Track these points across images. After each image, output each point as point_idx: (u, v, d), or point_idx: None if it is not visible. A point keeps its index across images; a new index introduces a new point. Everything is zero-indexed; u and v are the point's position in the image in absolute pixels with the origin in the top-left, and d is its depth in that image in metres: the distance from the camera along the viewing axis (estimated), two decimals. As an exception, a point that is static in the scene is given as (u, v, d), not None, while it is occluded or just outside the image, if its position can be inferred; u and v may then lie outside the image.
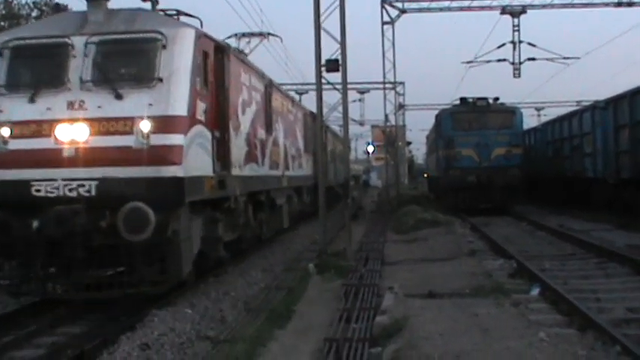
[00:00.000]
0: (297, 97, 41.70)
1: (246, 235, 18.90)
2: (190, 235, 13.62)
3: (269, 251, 22.22)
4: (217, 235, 15.51)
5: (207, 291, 15.05)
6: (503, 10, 40.38)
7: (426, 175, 70.88)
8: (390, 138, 51.61)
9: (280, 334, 11.34)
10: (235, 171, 16.53)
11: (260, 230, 21.02)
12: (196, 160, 13.55)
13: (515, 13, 40.27)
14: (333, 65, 20.33)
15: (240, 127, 17.36)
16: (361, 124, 72.71)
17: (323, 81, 20.67)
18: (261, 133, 20.17)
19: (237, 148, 16.93)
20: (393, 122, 51.03)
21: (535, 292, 13.33)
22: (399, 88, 51.28)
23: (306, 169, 30.34)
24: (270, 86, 21.70)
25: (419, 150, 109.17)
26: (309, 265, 17.78)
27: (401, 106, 53.35)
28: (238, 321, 11.96)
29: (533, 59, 42.18)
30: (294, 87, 50.76)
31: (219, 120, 15.51)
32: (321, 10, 20.21)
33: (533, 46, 41.64)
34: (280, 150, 23.49)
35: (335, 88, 22.19)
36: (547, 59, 42.87)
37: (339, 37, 20.33)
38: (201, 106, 14.02)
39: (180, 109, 13.12)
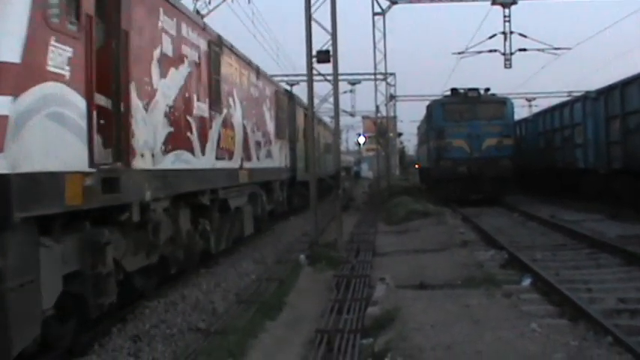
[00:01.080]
0: (287, 87, 40.55)
1: (177, 254, 13.73)
2: (34, 277, 7.95)
3: (260, 243, 22.17)
4: (104, 269, 9.67)
5: (198, 282, 15.00)
6: (494, 1, 40.20)
7: (417, 166, 70.91)
8: (381, 129, 51.60)
9: (272, 325, 11.33)
10: (142, 163, 11.06)
11: (207, 243, 15.76)
12: (46, 145, 7.98)
13: (506, 3, 40.13)
14: (324, 56, 20.29)
15: (155, 95, 11.80)
16: (352, 115, 72.78)
17: (314, 72, 20.62)
18: (201, 108, 14.65)
19: (148, 128, 11.41)
20: (384, 113, 51.01)
21: (526, 282, 13.35)
22: (390, 79, 51.23)
23: (278, 159, 25.27)
24: (218, 45, 16.30)
25: (410, 141, 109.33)
26: (300, 257, 17.76)
27: (392, 97, 53.29)
28: (230, 312, 11.92)
29: (524, 50, 42.05)
30: (285, 78, 50.67)
31: (109, 80, 10.03)
32: (312, 0, 20.17)
33: (524, 36, 41.51)
34: (237, 135, 18.02)
35: (326, 80, 22.13)
36: (538, 50, 42.75)
37: (330, 28, 20.28)
38: (61, 52, 8.32)
39: (3, 50, 7.40)
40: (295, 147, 30.11)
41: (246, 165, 19.23)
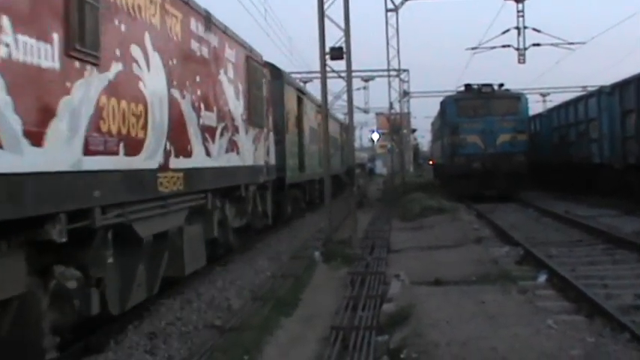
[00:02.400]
0: (301, 84, 40.28)
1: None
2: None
3: (275, 240, 22.19)
4: None
5: (213, 280, 15.03)
6: (508, -4, 40.25)
7: (431, 163, 70.85)
8: (395, 125, 51.56)
9: (287, 322, 11.33)
10: None
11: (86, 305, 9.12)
12: None
13: (520, -2, 40.14)
14: (337, 53, 20.29)
15: None
16: (366, 111, 72.61)
17: (327, 69, 20.63)
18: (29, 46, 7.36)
19: None
20: (398, 110, 50.98)
21: (542, 278, 13.30)
22: (403, 76, 51.24)
23: (251, 155, 17.84)
24: None
25: (424, 137, 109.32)
26: (315, 254, 17.77)
27: (405, 94, 53.25)
28: (245, 309, 11.94)
29: (538, 45, 42.11)
30: (299, 75, 50.66)
31: None
32: (325, -3, 20.17)
33: (538, 31, 41.55)
34: (151, 111, 10.82)
35: (339, 76, 22.16)
36: (552, 45, 42.82)
37: (343, 25, 20.27)
38: None
39: None
40: (284, 140, 24.07)
41: (178, 163, 11.97)
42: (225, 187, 15.35)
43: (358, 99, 64.05)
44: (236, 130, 16.29)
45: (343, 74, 21.32)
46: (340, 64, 20.89)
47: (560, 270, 13.43)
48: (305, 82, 51.19)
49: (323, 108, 21.76)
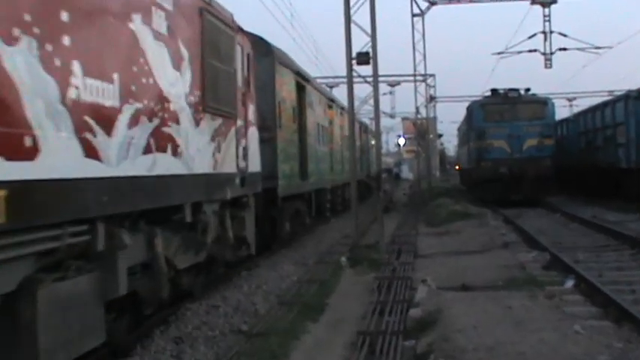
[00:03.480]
0: (328, 90, 40.01)
1: None
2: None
3: (300, 244, 22.22)
4: None
5: (239, 284, 15.06)
6: (534, 1, 40.22)
7: (457, 167, 70.71)
8: (421, 130, 51.50)
9: (313, 327, 11.34)
10: None
11: None
12: None
13: (546, 3, 40.09)
14: (363, 58, 20.29)
15: None
16: (392, 116, 72.80)
17: (354, 74, 20.63)
18: None
19: None
20: (424, 114, 50.94)
21: (569, 284, 13.26)
22: (429, 81, 51.24)
23: (208, 159, 11.98)
24: None
25: (450, 142, 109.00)
26: (342, 258, 17.78)
27: (432, 99, 53.25)
28: (271, 314, 11.96)
29: (564, 49, 41.95)
30: (325, 80, 50.76)
31: None
32: (351, 3, 20.19)
33: (565, 36, 41.45)
34: None
35: (366, 82, 22.15)
36: (578, 49, 42.64)
37: (369, 30, 20.28)
38: None
39: None
40: (275, 138, 19.22)
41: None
42: (144, 209, 9.33)
43: (384, 104, 64.36)
44: (173, 118, 10.18)
45: (369, 79, 21.31)
46: (367, 69, 20.89)
47: (588, 275, 13.37)
48: (331, 87, 51.36)
49: (350, 113, 21.73)
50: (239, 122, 13.74)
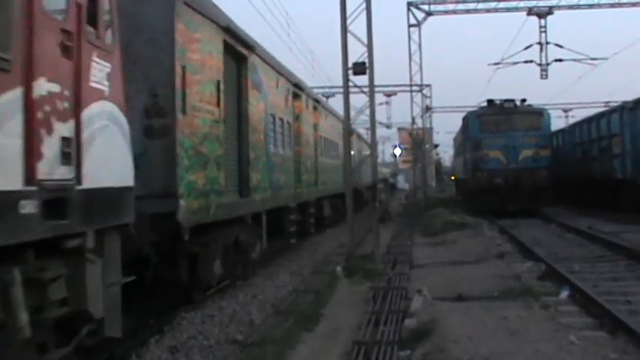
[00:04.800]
0: (324, 100, 39.48)
1: None
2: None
3: (297, 255, 22.22)
4: None
5: (235, 294, 15.08)
6: (530, 12, 40.38)
7: (453, 178, 70.75)
8: (417, 141, 51.53)
9: (309, 337, 11.34)
10: None
11: None
12: None
13: (542, 14, 40.22)
14: (360, 68, 20.30)
15: None
16: (388, 126, 72.89)
17: (350, 84, 20.64)
18: None
19: None
20: (420, 125, 50.97)
21: (564, 294, 13.26)
22: (425, 91, 51.34)
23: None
24: None
25: (446, 152, 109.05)
26: (337, 269, 17.79)
27: (428, 109, 53.32)
28: (267, 324, 11.98)
29: (560, 60, 42.12)
30: (321, 90, 50.78)
31: None
32: (348, 13, 20.20)
33: (560, 47, 41.59)
34: None
35: (362, 92, 22.14)
36: (574, 60, 42.79)
37: (365, 40, 20.30)
38: None
39: None
40: (174, 129, 12.01)
41: None
42: None
43: (381, 114, 64.38)
44: None
45: (366, 89, 21.32)
46: (363, 79, 20.89)
47: (583, 286, 13.38)
48: (328, 97, 51.35)
49: (346, 123, 21.73)
50: (41, 84, 6.85)
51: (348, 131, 21.73)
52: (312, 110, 26.96)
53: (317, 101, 27.82)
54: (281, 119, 20.81)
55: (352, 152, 35.94)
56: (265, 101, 18.41)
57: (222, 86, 14.19)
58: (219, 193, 13.75)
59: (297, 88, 23.93)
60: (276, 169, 19.49)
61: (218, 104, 13.94)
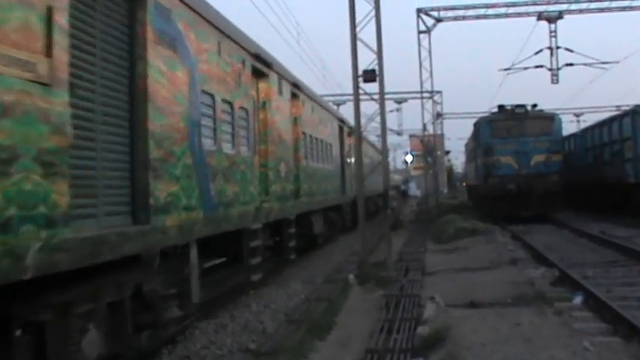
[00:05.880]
0: (334, 107, 38.93)
1: None
2: None
3: (308, 262, 22.19)
4: None
5: (247, 303, 15.06)
6: (540, 16, 40.35)
7: (465, 184, 70.70)
8: (429, 147, 51.48)
9: (321, 345, 11.33)
10: None
11: None
12: None
13: (552, 18, 40.20)
14: (370, 75, 20.31)
15: None
16: (399, 133, 72.83)
17: (360, 91, 20.65)
18: None
19: None
20: (431, 131, 50.93)
21: (578, 300, 13.21)
22: (436, 97, 51.26)
23: None
24: None
25: (457, 159, 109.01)
26: (349, 276, 17.77)
27: (439, 115, 53.26)
28: (279, 333, 11.95)
29: (571, 65, 42.02)
30: (332, 98, 50.80)
31: None
32: (357, 20, 20.23)
33: (571, 51, 41.51)
34: None
35: (372, 99, 22.13)
36: (585, 64, 42.68)
37: (375, 48, 20.31)
38: None
39: None
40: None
41: None
42: None
43: (391, 121, 64.32)
44: None
45: (376, 97, 21.31)
46: (373, 87, 20.89)
47: (596, 291, 13.33)
48: (338, 105, 51.36)
49: (356, 130, 21.70)
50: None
51: (359, 138, 21.68)
52: (288, 98, 19.89)
53: (297, 87, 20.89)
54: (228, 103, 13.88)
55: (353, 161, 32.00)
56: (191, 70, 11.57)
57: (59, 18, 7.40)
58: (50, 222, 7.05)
59: (261, 63, 16.53)
60: (217, 176, 12.73)
61: (48, 51, 7.14)
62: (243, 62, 15.06)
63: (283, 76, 19.22)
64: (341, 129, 31.35)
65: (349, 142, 32.71)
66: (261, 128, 17.01)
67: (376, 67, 20.28)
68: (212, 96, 12.67)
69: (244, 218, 14.55)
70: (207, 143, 12.30)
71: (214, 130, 12.77)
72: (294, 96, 20.57)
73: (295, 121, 20.89)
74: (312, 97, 23.75)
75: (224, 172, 13.19)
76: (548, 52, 40.84)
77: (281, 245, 19.16)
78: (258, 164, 16.33)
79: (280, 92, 18.76)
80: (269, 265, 17.84)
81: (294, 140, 20.58)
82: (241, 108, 14.77)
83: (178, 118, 10.88)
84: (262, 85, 17.27)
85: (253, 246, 15.30)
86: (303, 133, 21.92)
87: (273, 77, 18.04)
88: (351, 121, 25.12)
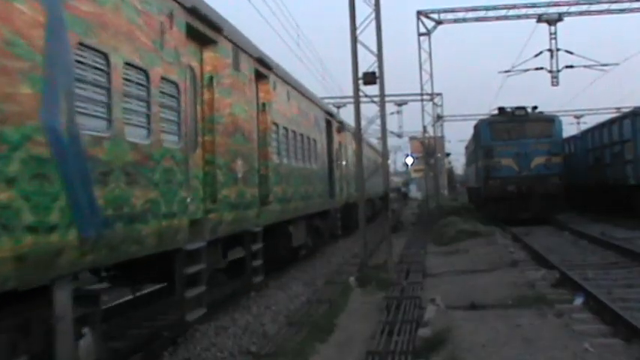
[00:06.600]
0: (335, 110, 38.74)
1: None
2: None
3: (309, 265, 22.19)
4: None
5: (248, 306, 15.06)
6: (540, 19, 40.33)
7: (464, 186, 70.76)
8: (429, 149, 51.48)
9: (322, 347, 11.32)
10: None
11: None
12: None
13: (552, 21, 40.18)
14: (370, 78, 20.31)
15: None
16: (399, 136, 72.89)
17: (360, 94, 20.66)
18: None
19: None
20: (432, 133, 50.94)
21: (579, 301, 13.22)
22: (436, 100, 51.22)
23: None
24: None
25: (458, 161, 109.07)
26: (350, 279, 17.76)
27: (439, 118, 53.24)
28: (280, 335, 11.95)
29: (571, 67, 42.01)
30: (332, 100, 50.80)
31: None
32: (357, 23, 20.23)
33: (571, 53, 41.50)
34: None
35: (373, 101, 22.16)
36: (585, 66, 42.66)
37: (375, 50, 20.32)
38: None
39: None
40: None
41: None
42: None
43: (392, 123, 64.38)
44: None
45: (376, 99, 21.32)
46: (373, 89, 20.89)
47: (597, 292, 13.33)
48: (339, 107, 51.36)
49: (357, 133, 21.70)
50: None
51: (359, 141, 21.69)
52: (251, 77, 15.49)
53: (263, 64, 16.51)
54: (140, 70, 9.75)
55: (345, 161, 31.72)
56: (51, 7, 7.51)
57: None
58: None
59: (203, 23, 12.41)
60: (112, 176, 8.70)
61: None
62: (170, 16, 10.84)
63: (241, 46, 14.68)
64: (329, 123, 27.72)
65: (339, 139, 30.79)
66: (206, 112, 12.72)
67: (376, 70, 20.29)
68: (105, 55, 8.68)
69: (171, 236, 10.44)
70: (90, 125, 8.27)
71: (108, 106, 8.80)
72: (261, 76, 16.52)
73: (264, 108, 16.87)
74: (288, 81, 19.68)
75: (127, 171, 9.18)
76: (548, 54, 40.82)
77: (243, 265, 15.47)
78: (201, 161, 12.43)
79: (236, 67, 14.30)
80: (223, 293, 15.31)
81: (261, 132, 16.50)
82: (165, 80, 10.51)
83: (15, 78, 6.82)
84: (208, 54, 12.92)
85: (191, 272, 11.20)
86: (275, 124, 17.78)
87: (225, 46, 13.57)
88: (352, 123, 25.00)
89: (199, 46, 12.63)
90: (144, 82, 9.81)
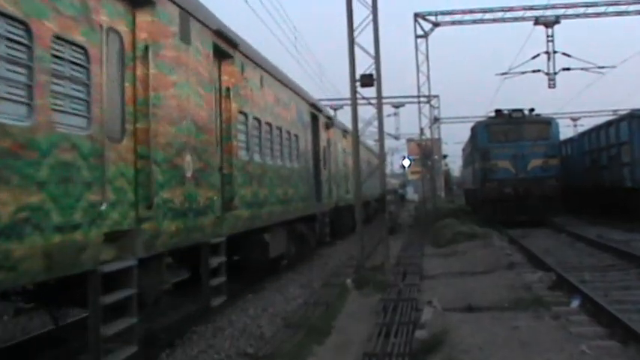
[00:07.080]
0: (332, 112, 38.42)
1: None
2: None
3: (307, 267, 22.19)
4: None
5: (245, 307, 15.06)
6: (537, 21, 40.37)
7: (462, 188, 70.80)
8: (426, 151, 51.48)
9: (319, 349, 11.33)
10: None
11: None
12: None
13: (549, 23, 40.22)
14: (367, 80, 20.31)
15: None
16: (396, 138, 72.86)
17: (358, 96, 20.66)
18: None
19: None
20: (429, 136, 50.94)
21: (575, 304, 13.23)
22: (433, 102, 51.19)
23: None
24: None
25: (455, 163, 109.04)
26: (347, 281, 17.76)
27: (436, 120, 53.20)
28: (277, 337, 11.96)
29: (568, 69, 42.07)
30: (329, 102, 50.77)
31: None
32: (355, 25, 20.23)
33: (568, 56, 41.53)
34: None
35: (370, 103, 22.12)
36: (582, 69, 42.70)
37: (372, 52, 20.32)
38: None
39: None
40: None
41: None
42: None
43: (389, 125, 64.43)
44: None
45: (374, 101, 21.32)
46: (371, 91, 20.88)
47: (594, 295, 13.35)
48: (335, 109, 51.33)
49: (354, 135, 21.69)
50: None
51: (357, 143, 21.67)
52: (207, 53, 12.56)
53: (225, 39, 13.71)
54: (17, 22, 7.10)
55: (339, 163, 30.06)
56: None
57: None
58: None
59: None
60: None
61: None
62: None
63: (191, 12, 11.74)
64: (315, 118, 24.85)
65: (328, 136, 27.84)
66: (139, 92, 9.80)
67: (374, 72, 20.30)
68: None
69: (70, 256, 7.76)
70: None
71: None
72: (222, 54, 13.73)
73: (228, 93, 14.00)
74: (262, 64, 16.79)
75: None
76: (545, 56, 40.84)
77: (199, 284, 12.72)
78: (131, 154, 9.54)
79: (185, 39, 11.39)
80: (163, 324, 12.00)
81: (224, 122, 13.81)
82: (65, 42, 7.91)
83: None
84: (141, 18, 9.91)
85: (109, 302, 8.51)
86: (244, 114, 15.18)
87: (166, 9, 10.63)
88: (349, 125, 24.96)
89: (130, 7, 9.68)
90: (23, 39, 7.16)
